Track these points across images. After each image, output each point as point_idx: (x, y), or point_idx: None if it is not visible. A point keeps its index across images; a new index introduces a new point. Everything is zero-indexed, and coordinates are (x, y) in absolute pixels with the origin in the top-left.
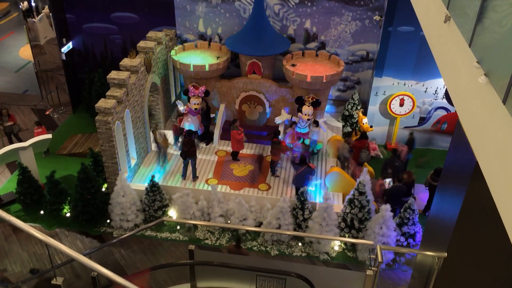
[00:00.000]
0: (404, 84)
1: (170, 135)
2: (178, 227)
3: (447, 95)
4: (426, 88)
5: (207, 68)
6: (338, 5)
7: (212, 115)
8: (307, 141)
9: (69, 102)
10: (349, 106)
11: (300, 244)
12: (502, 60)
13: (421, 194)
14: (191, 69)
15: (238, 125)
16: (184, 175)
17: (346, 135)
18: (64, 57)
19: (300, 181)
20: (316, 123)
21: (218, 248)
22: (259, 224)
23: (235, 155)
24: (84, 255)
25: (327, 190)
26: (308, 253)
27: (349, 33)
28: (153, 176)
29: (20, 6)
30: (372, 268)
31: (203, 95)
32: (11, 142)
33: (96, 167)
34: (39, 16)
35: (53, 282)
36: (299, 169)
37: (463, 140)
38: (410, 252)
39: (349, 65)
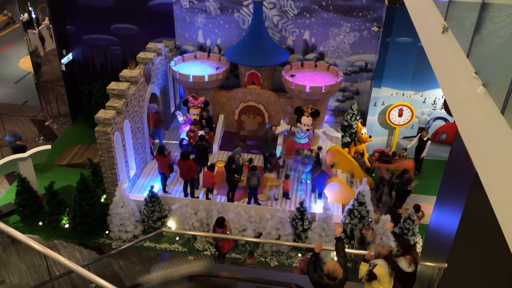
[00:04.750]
0: (403, 95)
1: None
2: (177, 238)
3: (445, 105)
4: (425, 99)
5: (206, 78)
6: (336, 16)
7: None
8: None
9: (69, 112)
10: (348, 117)
11: (299, 254)
12: (500, 71)
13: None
14: (191, 79)
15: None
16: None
17: (345, 145)
18: (64, 68)
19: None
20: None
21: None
22: (259, 235)
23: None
24: (83, 266)
25: (326, 201)
26: None
27: (348, 44)
28: (152, 187)
29: (21, 18)
30: None
31: (202, 106)
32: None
33: (95, 177)
34: (40, 27)
35: None
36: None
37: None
38: None
39: (348, 75)
